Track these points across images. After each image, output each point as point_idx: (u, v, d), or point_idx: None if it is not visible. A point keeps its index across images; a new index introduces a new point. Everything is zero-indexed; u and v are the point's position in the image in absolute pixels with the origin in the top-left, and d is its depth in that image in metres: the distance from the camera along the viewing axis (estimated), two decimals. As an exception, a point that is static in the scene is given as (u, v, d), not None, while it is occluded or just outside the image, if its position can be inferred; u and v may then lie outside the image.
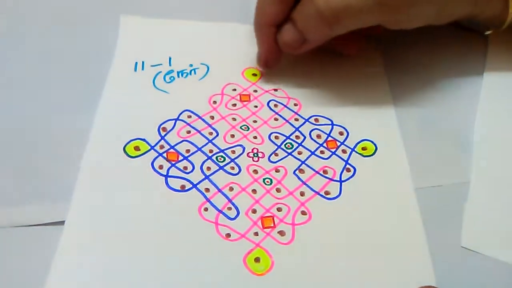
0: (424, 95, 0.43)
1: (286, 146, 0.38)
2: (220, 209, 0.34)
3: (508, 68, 0.45)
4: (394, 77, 0.44)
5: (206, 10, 0.48)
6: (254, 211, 0.35)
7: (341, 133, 0.39)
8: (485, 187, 0.37)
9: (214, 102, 0.41)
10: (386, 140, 0.39)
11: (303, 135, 0.39)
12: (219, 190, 0.35)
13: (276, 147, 0.38)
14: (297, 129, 0.39)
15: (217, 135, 0.38)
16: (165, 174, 0.36)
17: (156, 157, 0.37)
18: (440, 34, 0.48)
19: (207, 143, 0.38)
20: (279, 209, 0.35)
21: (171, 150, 0.37)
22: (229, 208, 0.35)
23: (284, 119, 0.40)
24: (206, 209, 0.34)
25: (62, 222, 0.33)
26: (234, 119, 0.40)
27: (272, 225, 0.34)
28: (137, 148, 0.37)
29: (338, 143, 0.39)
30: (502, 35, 0.45)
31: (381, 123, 0.40)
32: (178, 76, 0.42)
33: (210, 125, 0.39)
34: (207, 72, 0.42)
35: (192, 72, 0.42)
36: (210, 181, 0.36)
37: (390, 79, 0.43)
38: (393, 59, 0.45)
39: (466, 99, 0.43)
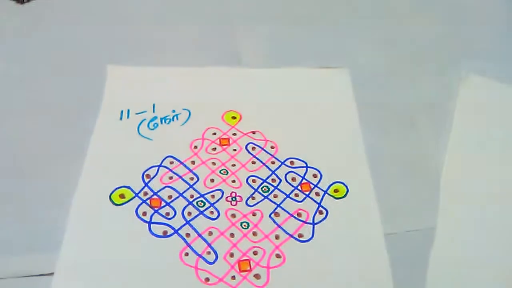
0: (398, 134, 0.45)
1: (263, 189, 0.41)
2: (200, 253, 0.37)
3: (479, 115, 0.47)
4: (366, 116, 0.46)
5: (195, 55, 0.50)
6: (231, 255, 0.37)
7: (315, 176, 0.42)
8: (450, 234, 0.39)
9: (195, 147, 0.43)
10: (357, 182, 0.41)
11: (279, 178, 0.41)
12: (199, 235, 0.38)
13: (253, 190, 0.41)
14: (273, 172, 0.42)
15: (198, 180, 0.41)
16: (149, 220, 0.38)
17: (140, 204, 0.39)
18: (417, 73, 0.50)
19: (188, 189, 0.40)
20: (255, 253, 0.37)
21: (154, 196, 0.40)
22: (208, 253, 0.37)
23: (261, 162, 0.42)
24: (186, 254, 0.37)
25: (51, 273, 0.35)
26: (214, 163, 0.42)
27: (249, 268, 0.36)
28: (122, 196, 0.39)
29: (312, 186, 0.41)
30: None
31: (353, 165, 0.43)
32: (162, 123, 0.44)
33: (191, 170, 0.41)
34: (188, 117, 0.45)
35: (175, 117, 0.45)
36: (191, 226, 0.38)
37: (362, 118, 0.46)
38: (365, 98, 0.48)
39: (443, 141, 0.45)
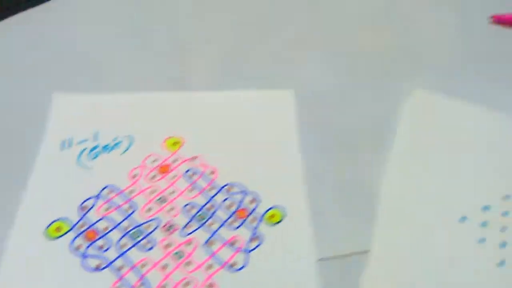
0: (339, 156, 0.45)
1: (199, 217, 0.41)
2: (132, 286, 0.37)
3: (423, 131, 0.47)
4: (309, 138, 0.46)
5: (140, 80, 0.50)
6: (163, 287, 0.37)
7: (252, 201, 0.42)
8: (385, 258, 0.39)
9: (135, 175, 0.43)
10: (293, 207, 0.41)
11: (216, 205, 0.41)
12: (132, 267, 0.38)
13: (190, 219, 0.41)
14: (210, 199, 0.42)
15: (135, 210, 0.41)
16: (83, 254, 0.39)
17: (76, 237, 0.39)
18: (364, 90, 0.50)
19: (124, 219, 0.41)
20: (187, 284, 0.37)
21: (90, 228, 0.40)
22: (141, 285, 0.37)
23: (200, 189, 0.42)
24: (119, 288, 0.37)
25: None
26: (152, 191, 0.42)
27: (180, 300, 0.37)
28: (58, 229, 0.40)
29: (248, 212, 0.41)
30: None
31: (290, 189, 0.42)
32: (103, 151, 0.45)
33: (129, 200, 0.42)
34: (130, 145, 0.45)
35: (116, 145, 0.45)
36: (125, 258, 0.38)
37: (305, 140, 0.46)
38: (310, 120, 0.47)
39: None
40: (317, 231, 0.40)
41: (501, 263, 0.39)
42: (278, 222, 0.41)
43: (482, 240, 0.40)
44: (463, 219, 0.41)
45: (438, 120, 0.48)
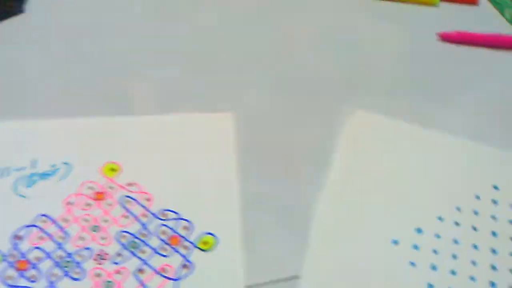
0: (277, 180, 0.45)
1: (131, 245, 0.41)
2: (60, 317, 0.37)
3: (362, 152, 0.47)
4: (248, 161, 0.46)
5: (81, 104, 0.50)
6: (91, 319, 0.37)
7: (185, 228, 0.42)
8: (314, 284, 0.39)
9: (69, 203, 0.43)
10: (226, 233, 0.42)
11: (149, 232, 0.42)
12: (61, 299, 0.38)
13: (121, 247, 0.41)
14: (144, 226, 0.42)
15: (68, 239, 0.41)
16: (13, 285, 0.39)
17: (7, 268, 0.39)
18: (306, 112, 0.50)
19: (56, 249, 0.41)
20: (115, 314, 0.38)
21: (22, 259, 0.40)
22: (68, 316, 0.37)
23: (134, 216, 0.43)
24: (46, 319, 0.37)
25: None
26: (86, 220, 0.42)
27: (107, 331, 0.37)
28: (-11, 260, 0.40)
29: (181, 239, 0.41)
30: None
31: (224, 215, 0.43)
32: (40, 179, 0.45)
33: (62, 229, 0.42)
34: (67, 172, 0.45)
35: (54, 172, 0.45)
36: (54, 289, 0.39)
37: (243, 164, 0.46)
38: (249, 143, 0.48)
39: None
40: (249, 257, 0.40)
41: (430, 286, 0.39)
42: (211, 249, 0.41)
43: (413, 264, 0.41)
44: (395, 242, 0.42)
45: (376, 141, 0.48)
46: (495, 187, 0.45)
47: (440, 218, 0.43)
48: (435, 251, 0.41)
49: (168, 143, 0.47)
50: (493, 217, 0.44)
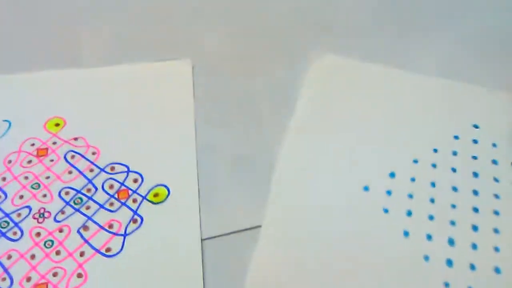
0: (238, 129, 0.42)
1: (75, 201, 0.37)
2: (-6, 280, 0.33)
3: (327, 96, 0.43)
4: (207, 110, 0.43)
5: (28, 59, 0.46)
6: (28, 279, 0.34)
7: (135, 180, 0.38)
8: (275, 233, 0.36)
9: (10, 161, 0.39)
10: (180, 184, 0.38)
11: (95, 187, 0.38)
12: (-4, 260, 0.34)
13: (64, 204, 0.37)
14: (90, 181, 0.38)
15: (6, 198, 0.37)
16: None
17: None
18: (270, 58, 0.47)
19: (-7, 209, 0.37)
20: (55, 274, 0.34)
21: (-44, 221, 0.36)
22: (3, 279, 0.34)
23: (79, 171, 0.39)
24: (-20, 283, 0.33)
25: None
26: (26, 177, 0.38)
27: (46, 292, 0.33)
28: None
29: (130, 192, 0.37)
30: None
31: (179, 165, 0.39)
32: (-22, 137, 0.41)
33: (0, 189, 0.38)
34: (7, 129, 0.41)
35: (-7, 131, 0.41)
36: (-11, 250, 0.35)
37: (202, 113, 0.42)
38: (208, 91, 0.44)
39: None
40: (205, 209, 0.37)
41: (406, 232, 0.36)
42: (162, 201, 0.37)
43: (387, 210, 0.37)
44: (366, 188, 0.38)
45: (345, 84, 0.44)
46: (476, 126, 0.42)
47: (415, 161, 0.39)
48: (410, 196, 0.37)
49: (119, 95, 0.43)
50: (474, 157, 0.40)
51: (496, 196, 0.37)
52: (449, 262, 0.34)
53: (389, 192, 0.38)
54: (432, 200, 0.37)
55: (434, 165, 0.39)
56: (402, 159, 0.40)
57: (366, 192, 0.38)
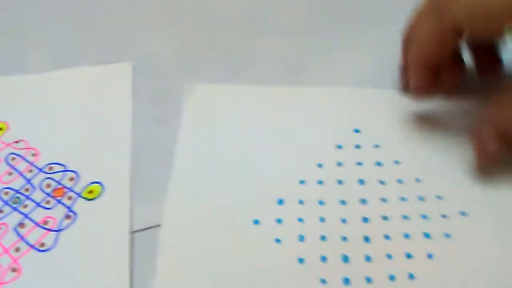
0: (171, 127, 0.43)
1: (14, 201, 0.39)
2: None
3: (206, 123, 0.43)
4: (144, 109, 0.44)
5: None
6: (-35, 275, 0.35)
7: (71, 179, 0.40)
8: (173, 231, 0.37)
9: (-50, 166, 0.41)
10: (114, 180, 0.40)
11: (33, 186, 0.40)
12: None
13: (3, 204, 0.39)
14: (28, 181, 0.40)
15: None
16: None
17: None
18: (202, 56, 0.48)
19: None
20: (-10, 270, 0.36)
21: None
22: None
23: (18, 172, 0.41)
24: None
25: None
26: (-33, 180, 0.40)
27: (-19, 288, 0.35)
28: None
29: (66, 190, 0.39)
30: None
31: (114, 163, 0.41)
32: None
33: None
34: (-49, 134, 0.43)
35: None
36: None
37: (140, 112, 0.44)
38: (147, 92, 0.46)
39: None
40: (139, 203, 0.39)
41: (300, 260, 0.35)
42: (96, 198, 0.39)
43: (279, 241, 0.36)
44: (257, 222, 0.37)
45: (221, 108, 0.44)
46: (356, 131, 0.42)
47: (302, 182, 0.39)
48: (300, 220, 0.37)
49: (60, 98, 0.45)
50: (359, 163, 0.40)
51: (384, 200, 0.38)
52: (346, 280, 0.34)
53: (279, 221, 0.37)
54: (322, 219, 0.37)
55: (320, 182, 0.39)
56: (289, 182, 0.39)
57: (256, 225, 0.37)
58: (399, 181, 0.39)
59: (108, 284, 0.35)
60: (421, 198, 0.38)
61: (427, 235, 0.36)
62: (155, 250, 0.36)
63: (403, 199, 0.38)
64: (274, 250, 0.36)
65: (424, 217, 0.37)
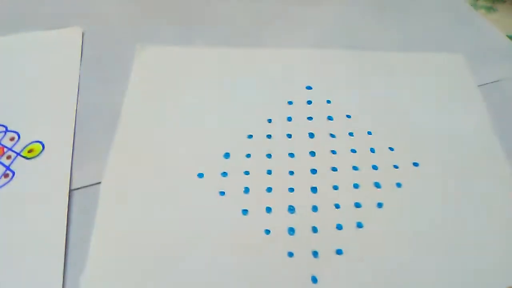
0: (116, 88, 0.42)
1: (-49, 161, 0.37)
2: None
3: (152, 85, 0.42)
4: (92, 72, 0.43)
5: None
6: None
7: (12, 139, 0.38)
8: (112, 192, 0.35)
9: None
10: (56, 139, 0.38)
11: (-29, 147, 0.38)
12: None
13: None
14: (-33, 142, 0.39)
15: None
16: None
17: None
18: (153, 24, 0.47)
19: None
20: None
21: None
22: None
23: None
24: None
25: None
26: None
27: None
28: None
29: (5, 150, 0.38)
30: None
31: (56, 123, 0.39)
32: None
33: None
34: None
35: None
36: None
37: (88, 75, 0.43)
38: (96, 55, 0.45)
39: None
40: (79, 161, 0.37)
41: (244, 211, 0.34)
42: (36, 156, 0.37)
43: (223, 193, 0.35)
44: (201, 175, 0.36)
45: (171, 69, 0.43)
46: (309, 88, 0.41)
47: (250, 137, 0.38)
48: (246, 173, 0.36)
49: (8, 62, 0.44)
50: (309, 118, 0.39)
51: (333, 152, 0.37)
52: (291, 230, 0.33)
53: (224, 174, 0.36)
54: (269, 172, 0.36)
55: (269, 136, 0.38)
56: (236, 136, 0.38)
57: (200, 178, 0.36)
58: (350, 134, 0.38)
59: (44, 243, 0.33)
60: (373, 150, 0.37)
61: (377, 185, 0.35)
62: (93, 208, 0.35)
63: (353, 151, 0.37)
64: (218, 202, 0.35)
65: (374, 167, 0.36)
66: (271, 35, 0.46)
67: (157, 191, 0.35)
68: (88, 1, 0.49)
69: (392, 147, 0.37)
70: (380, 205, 0.34)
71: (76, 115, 0.40)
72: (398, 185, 0.35)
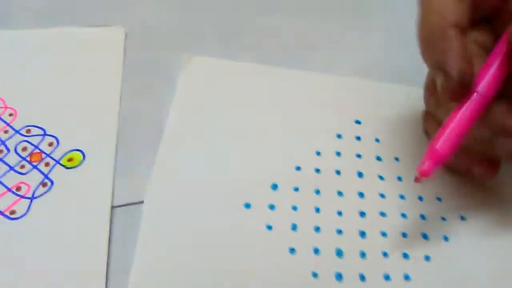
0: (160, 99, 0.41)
1: (-16, 162, 0.36)
2: None
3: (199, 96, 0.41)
4: (135, 77, 0.41)
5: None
6: None
7: (50, 144, 0.37)
8: (155, 210, 0.34)
9: None
10: (97, 149, 0.37)
11: (7, 148, 0.36)
12: None
13: (-27, 165, 0.36)
14: (3, 142, 0.37)
15: None
16: None
17: None
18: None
19: None
20: (-46, 237, 0.32)
21: None
22: None
23: (-8, 132, 0.37)
24: None
25: None
26: None
27: None
28: None
29: (44, 156, 0.36)
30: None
31: (98, 131, 0.38)
32: None
33: None
34: None
35: None
36: None
37: (130, 80, 0.41)
38: (138, 59, 0.43)
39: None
40: (122, 176, 0.36)
41: (292, 250, 0.33)
42: (76, 166, 0.36)
43: (270, 227, 0.34)
44: (248, 206, 0.35)
45: (218, 84, 0.42)
46: (357, 122, 0.40)
47: (298, 168, 0.37)
48: (294, 208, 0.35)
49: (45, 58, 0.42)
50: (358, 155, 0.38)
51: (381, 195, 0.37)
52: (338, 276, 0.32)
53: (272, 207, 0.35)
54: (318, 210, 0.35)
55: (317, 170, 0.37)
56: (284, 168, 0.37)
57: (247, 209, 0.35)
58: (399, 178, 0.38)
59: (83, 261, 0.32)
60: (420, 198, 0.37)
61: (425, 236, 0.35)
62: (135, 228, 0.33)
63: (401, 196, 0.37)
64: (264, 236, 0.34)
65: (422, 217, 0.36)
66: (320, 57, 0.45)
67: (201, 218, 0.34)
68: (132, 3, 0.47)
69: (440, 197, 0.37)
70: (427, 258, 0.34)
71: (118, 123, 0.39)
72: (445, 238, 0.35)
